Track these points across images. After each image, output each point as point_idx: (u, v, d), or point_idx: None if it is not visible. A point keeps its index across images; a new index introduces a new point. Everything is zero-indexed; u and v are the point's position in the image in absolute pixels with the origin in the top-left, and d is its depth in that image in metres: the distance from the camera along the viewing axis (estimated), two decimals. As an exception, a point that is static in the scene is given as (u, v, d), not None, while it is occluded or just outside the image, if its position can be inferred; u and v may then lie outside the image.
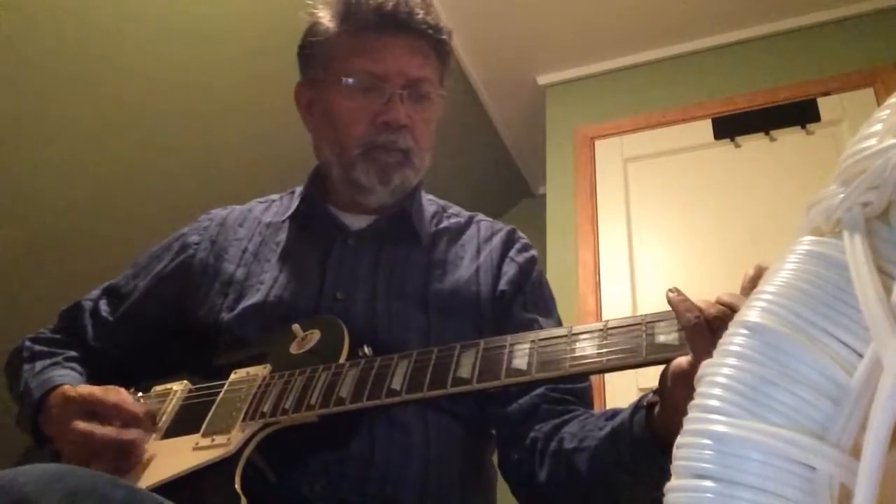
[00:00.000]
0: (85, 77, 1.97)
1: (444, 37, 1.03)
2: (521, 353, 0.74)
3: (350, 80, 0.98)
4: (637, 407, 0.75)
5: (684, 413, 0.67)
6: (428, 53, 1.02)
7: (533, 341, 0.75)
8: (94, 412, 0.85)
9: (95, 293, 1.11)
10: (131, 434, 0.84)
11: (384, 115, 0.98)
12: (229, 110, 2.30)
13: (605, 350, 0.70)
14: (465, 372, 0.75)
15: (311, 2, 1.05)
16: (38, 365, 0.99)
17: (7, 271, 2.09)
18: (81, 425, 0.84)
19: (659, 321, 0.70)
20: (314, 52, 1.04)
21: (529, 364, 0.73)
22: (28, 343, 1.05)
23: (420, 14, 1.00)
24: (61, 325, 1.09)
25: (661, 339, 0.68)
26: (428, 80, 1.01)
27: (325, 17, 1.03)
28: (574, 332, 0.74)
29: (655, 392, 0.72)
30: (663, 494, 0.77)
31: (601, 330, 0.72)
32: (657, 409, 0.72)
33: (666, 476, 0.77)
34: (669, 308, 0.66)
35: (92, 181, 2.14)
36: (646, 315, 0.71)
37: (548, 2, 2.59)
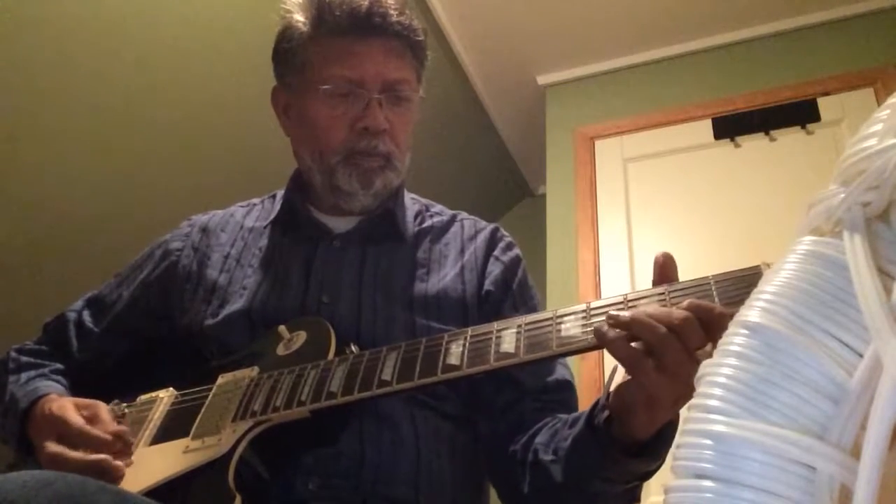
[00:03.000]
0: (85, 81, 1.97)
1: (419, 38, 1.02)
2: (509, 337, 0.75)
3: (327, 87, 0.98)
4: (591, 413, 0.78)
5: (629, 414, 0.70)
6: (403, 55, 1.01)
7: (519, 325, 0.76)
8: (61, 435, 0.85)
9: (79, 304, 1.10)
10: (98, 457, 0.82)
11: (363, 121, 0.97)
12: (226, 117, 2.30)
13: (590, 329, 0.71)
14: (454, 359, 0.76)
15: (284, 6, 1.03)
16: (24, 376, 0.99)
17: (7, 274, 2.09)
18: (53, 447, 0.83)
19: (639, 299, 0.71)
20: (289, 57, 1.03)
21: (517, 347, 0.73)
22: (14, 354, 1.04)
23: (394, 16, 0.99)
24: (46, 337, 1.08)
25: None
26: (405, 82, 1.01)
27: (299, 22, 1.01)
28: (559, 314, 0.75)
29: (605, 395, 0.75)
30: (633, 485, 0.79)
31: (584, 311, 0.73)
32: (606, 412, 0.75)
33: (630, 469, 0.78)
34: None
35: (89, 185, 2.14)
36: (626, 294, 0.73)
37: (548, 2, 2.59)
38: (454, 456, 0.93)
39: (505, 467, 0.91)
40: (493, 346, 0.75)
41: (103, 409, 0.89)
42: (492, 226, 1.11)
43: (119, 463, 0.83)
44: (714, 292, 0.67)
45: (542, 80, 2.96)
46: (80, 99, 1.99)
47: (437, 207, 1.14)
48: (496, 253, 1.06)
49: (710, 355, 0.62)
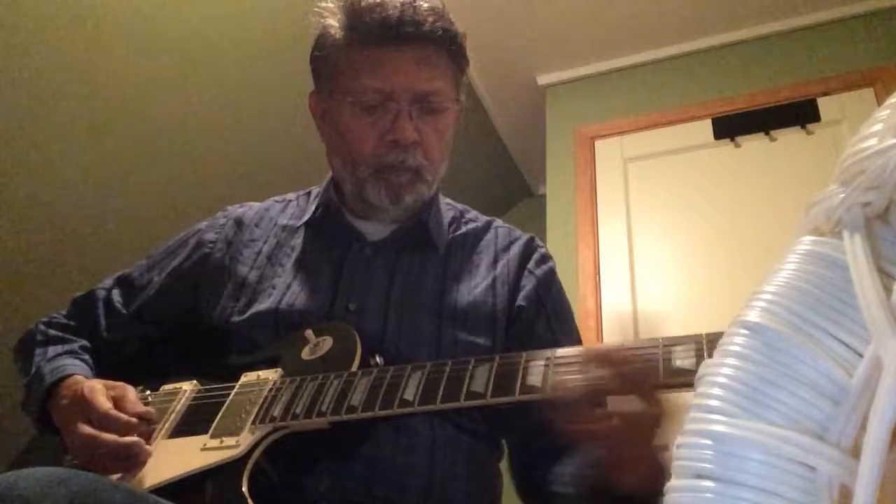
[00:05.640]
0: (84, 78, 1.97)
1: (455, 45, 0.99)
2: (536, 370, 0.74)
3: (356, 99, 0.96)
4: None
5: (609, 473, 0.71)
6: (438, 63, 0.98)
7: (548, 359, 0.74)
8: (90, 418, 0.85)
9: (108, 282, 1.10)
10: (128, 439, 0.83)
11: (392, 134, 0.95)
12: (230, 114, 2.30)
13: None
14: (478, 386, 0.75)
15: (318, 8, 1.01)
16: (51, 351, 0.99)
17: (6, 273, 2.09)
18: (86, 430, 0.84)
19: (675, 345, 0.69)
20: (322, 64, 1.02)
21: (544, 382, 0.72)
22: (42, 327, 1.04)
23: (428, 23, 0.95)
24: (74, 311, 1.08)
25: (678, 363, 0.67)
26: (438, 92, 0.97)
27: (333, 28, 0.99)
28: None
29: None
30: None
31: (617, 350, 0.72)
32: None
33: None
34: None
35: (90, 185, 2.14)
36: (662, 339, 0.71)
37: (548, 2, 2.59)
38: (470, 467, 0.91)
39: (535, 490, 0.92)
40: (519, 377, 0.74)
41: (130, 390, 0.89)
42: (527, 236, 1.09)
43: (148, 447, 0.84)
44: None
45: (542, 80, 2.96)
46: (80, 98, 1.99)
47: (472, 213, 1.13)
48: (530, 266, 1.04)
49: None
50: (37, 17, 1.80)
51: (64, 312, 1.08)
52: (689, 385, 0.65)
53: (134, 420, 0.85)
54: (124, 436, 0.83)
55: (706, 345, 0.68)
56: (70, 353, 0.99)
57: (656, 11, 2.60)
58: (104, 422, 0.84)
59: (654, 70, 2.79)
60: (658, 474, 0.72)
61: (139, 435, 0.84)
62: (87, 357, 1.01)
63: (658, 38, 2.74)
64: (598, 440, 0.71)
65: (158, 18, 2.01)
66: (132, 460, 0.83)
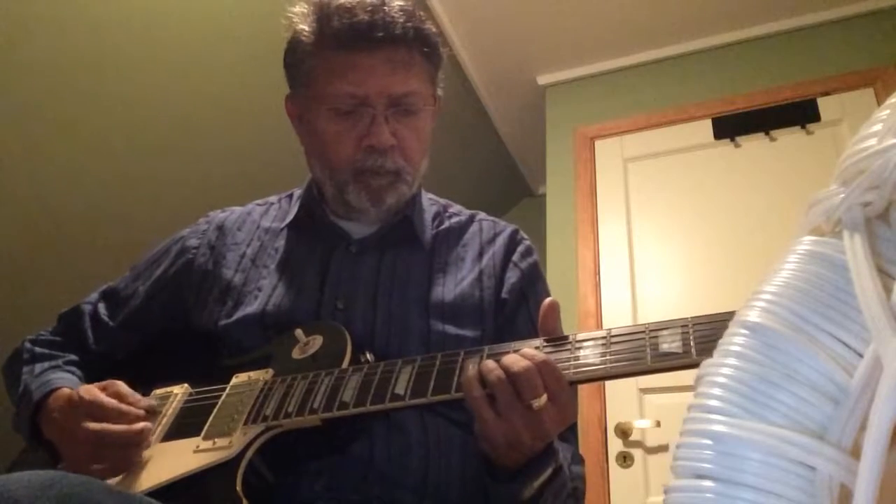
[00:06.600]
0: (85, 80, 1.97)
1: (429, 45, 0.98)
2: None
3: (332, 105, 0.95)
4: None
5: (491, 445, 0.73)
6: (412, 64, 0.96)
7: (536, 348, 0.75)
8: (97, 416, 0.85)
9: (94, 296, 1.11)
10: (140, 425, 0.85)
11: (368, 139, 0.94)
12: (229, 114, 2.31)
13: (608, 357, 0.70)
14: None
15: (289, 13, 1.00)
16: (38, 367, 0.99)
17: (7, 273, 2.09)
18: (93, 425, 0.84)
19: (662, 329, 0.70)
20: (296, 69, 1.01)
21: None
22: (28, 345, 1.05)
23: (399, 25, 0.94)
24: (61, 327, 1.09)
25: (665, 347, 0.68)
26: (412, 94, 0.96)
27: (303, 33, 0.98)
28: (578, 339, 0.74)
29: None
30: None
31: (604, 337, 0.73)
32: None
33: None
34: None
35: (91, 183, 2.14)
36: (648, 324, 0.72)
37: (548, 2, 2.59)
38: (465, 463, 0.91)
39: None
40: None
41: (122, 384, 0.90)
42: (511, 228, 1.10)
43: (152, 433, 0.87)
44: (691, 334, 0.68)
45: (542, 80, 2.96)
46: (81, 98, 1.99)
47: (456, 207, 1.13)
48: (515, 258, 1.04)
49: (542, 405, 0.69)
50: (37, 17, 1.80)
51: (50, 329, 1.09)
52: (676, 368, 0.67)
53: (143, 412, 0.87)
54: (134, 426, 0.85)
55: (692, 328, 0.69)
56: (57, 367, 0.99)
57: (656, 11, 2.61)
58: (116, 416, 0.85)
59: (654, 70, 2.80)
60: (532, 461, 0.76)
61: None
62: (74, 369, 1.01)
63: (658, 38, 2.74)
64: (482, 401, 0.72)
65: (159, 19, 2.02)
66: (137, 450, 0.84)
